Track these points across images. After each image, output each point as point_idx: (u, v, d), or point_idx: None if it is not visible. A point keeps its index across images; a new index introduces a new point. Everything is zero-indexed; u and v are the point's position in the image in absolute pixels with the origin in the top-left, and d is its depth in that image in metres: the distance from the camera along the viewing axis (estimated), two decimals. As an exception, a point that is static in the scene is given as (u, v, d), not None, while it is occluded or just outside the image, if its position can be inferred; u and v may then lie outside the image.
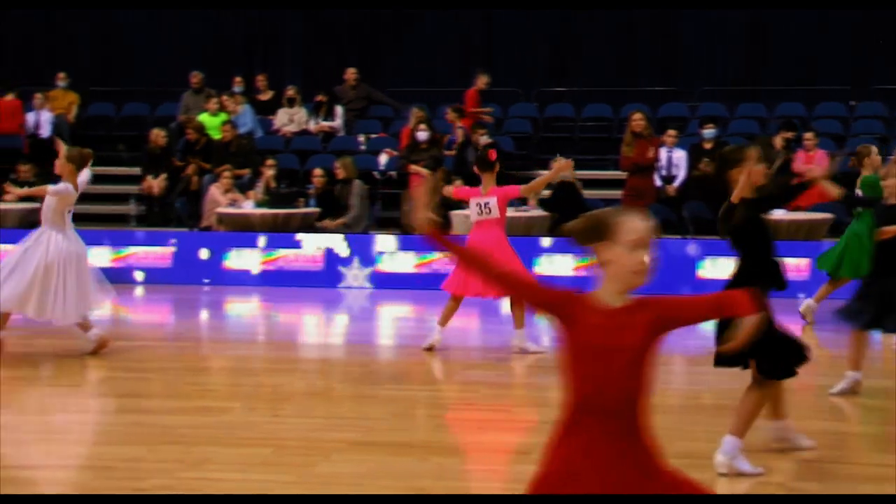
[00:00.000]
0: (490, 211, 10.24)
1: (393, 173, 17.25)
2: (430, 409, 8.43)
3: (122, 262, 15.36)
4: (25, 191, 11.03)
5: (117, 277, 15.16)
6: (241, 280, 15.10)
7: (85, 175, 10.22)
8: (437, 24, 20.72)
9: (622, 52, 20.04)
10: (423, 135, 17.01)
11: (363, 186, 16.39)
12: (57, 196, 9.95)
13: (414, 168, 16.57)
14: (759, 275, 6.44)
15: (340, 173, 16.29)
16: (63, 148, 10.32)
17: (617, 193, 15.60)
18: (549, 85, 20.12)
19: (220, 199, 16.41)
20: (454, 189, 11.09)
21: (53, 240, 9.85)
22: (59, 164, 10.10)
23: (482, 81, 18.35)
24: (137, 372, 9.58)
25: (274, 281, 15.08)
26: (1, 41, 21.31)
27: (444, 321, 10.37)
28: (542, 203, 15.80)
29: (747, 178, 6.50)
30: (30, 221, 16.07)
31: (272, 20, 21.28)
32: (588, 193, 16.26)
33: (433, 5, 20.27)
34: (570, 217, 13.04)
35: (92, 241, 15.27)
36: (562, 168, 10.98)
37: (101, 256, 14.96)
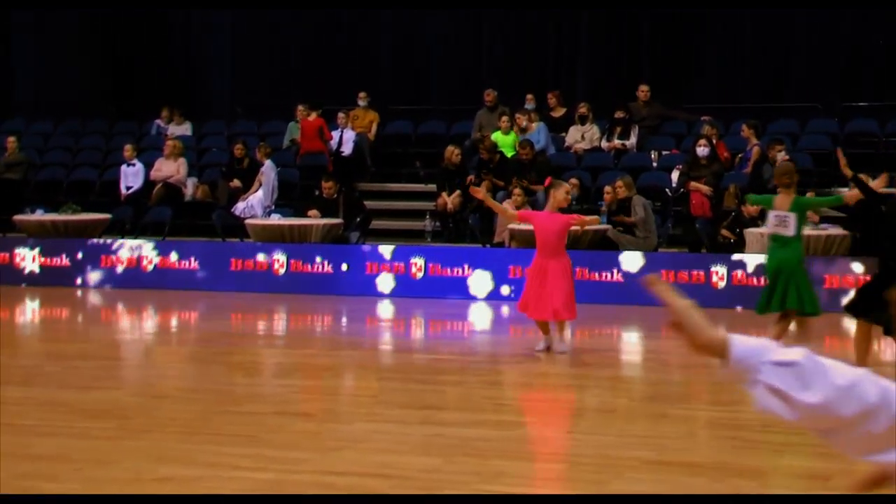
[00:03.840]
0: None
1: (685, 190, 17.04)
2: (724, 430, 8.28)
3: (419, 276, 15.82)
4: None
5: (417, 291, 15.61)
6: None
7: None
8: (731, 39, 20.40)
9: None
10: (703, 151, 16.73)
11: (646, 202, 16.12)
12: None
13: (694, 185, 16.31)
14: None
15: (621, 192, 15.98)
16: None
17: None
18: (848, 99, 19.45)
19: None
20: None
21: None
22: None
23: None
24: (434, 384, 9.81)
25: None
26: (308, 63, 22.24)
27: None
28: (843, 221, 15.30)
29: None
30: (333, 236, 16.72)
31: (564, 38, 21.41)
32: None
33: (728, 13, 19.96)
34: (870, 235, 12.54)
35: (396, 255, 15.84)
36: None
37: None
